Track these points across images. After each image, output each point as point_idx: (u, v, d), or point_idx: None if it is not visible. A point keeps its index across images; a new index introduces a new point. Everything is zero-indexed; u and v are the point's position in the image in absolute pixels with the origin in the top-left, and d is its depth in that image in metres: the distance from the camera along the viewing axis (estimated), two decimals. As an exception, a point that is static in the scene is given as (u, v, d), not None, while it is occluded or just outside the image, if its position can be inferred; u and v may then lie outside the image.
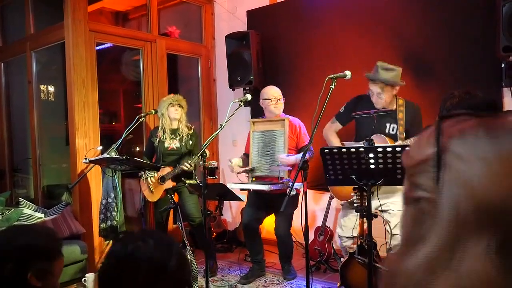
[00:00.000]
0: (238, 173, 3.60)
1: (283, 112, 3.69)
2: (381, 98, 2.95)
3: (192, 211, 3.86)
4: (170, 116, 3.84)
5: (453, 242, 0.44)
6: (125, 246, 1.01)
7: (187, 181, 3.75)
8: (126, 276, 1.00)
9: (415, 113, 2.98)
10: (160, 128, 3.91)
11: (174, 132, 3.90)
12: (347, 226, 3.05)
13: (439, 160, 0.47)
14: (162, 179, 3.78)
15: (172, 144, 3.87)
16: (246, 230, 3.74)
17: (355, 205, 2.48)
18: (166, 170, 3.77)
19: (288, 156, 3.42)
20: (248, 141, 3.77)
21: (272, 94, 3.62)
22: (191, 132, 3.94)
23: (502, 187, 0.42)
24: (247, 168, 3.63)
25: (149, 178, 3.77)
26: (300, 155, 3.48)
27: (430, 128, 0.51)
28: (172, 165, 3.82)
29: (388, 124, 2.98)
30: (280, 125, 3.57)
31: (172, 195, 3.45)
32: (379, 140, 2.82)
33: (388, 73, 2.90)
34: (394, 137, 2.95)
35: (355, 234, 3.01)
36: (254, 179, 3.64)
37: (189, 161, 3.62)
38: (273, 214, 3.80)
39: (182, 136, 3.88)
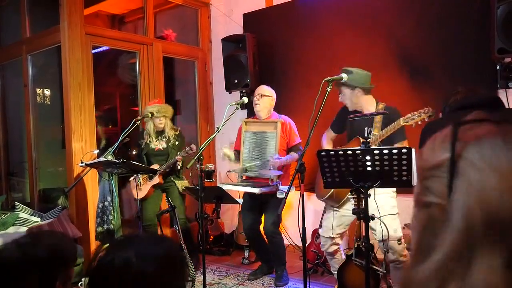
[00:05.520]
0: (228, 172, 3.63)
1: (276, 112, 3.68)
2: (343, 99, 3.03)
3: (177, 213, 3.85)
4: (155, 125, 3.99)
5: (462, 251, 0.42)
6: (108, 256, 1.04)
7: (177, 182, 3.89)
8: (109, 285, 1.03)
9: (395, 116, 2.80)
10: (145, 131, 4.05)
11: (160, 134, 4.03)
12: (327, 226, 3.04)
13: (453, 167, 0.45)
14: (151, 176, 3.85)
15: (159, 145, 4.01)
16: (249, 234, 3.77)
17: (353, 207, 2.48)
18: (154, 167, 3.88)
19: (279, 158, 3.39)
20: (239, 138, 3.79)
21: (257, 91, 3.65)
22: (177, 133, 4.05)
23: None
24: (240, 168, 3.63)
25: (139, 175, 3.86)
26: (290, 156, 3.48)
27: (445, 130, 0.49)
28: (160, 164, 3.94)
29: (366, 128, 2.99)
30: (273, 127, 3.56)
31: (170, 198, 3.43)
32: (356, 143, 2.85)
33: (344, 75, 2.92)
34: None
35: (333, 235, 3.00)
36: (244, 177, 3.64)
37: (178, 155, 3.79)
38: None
39: (168, 138, 4.00)
